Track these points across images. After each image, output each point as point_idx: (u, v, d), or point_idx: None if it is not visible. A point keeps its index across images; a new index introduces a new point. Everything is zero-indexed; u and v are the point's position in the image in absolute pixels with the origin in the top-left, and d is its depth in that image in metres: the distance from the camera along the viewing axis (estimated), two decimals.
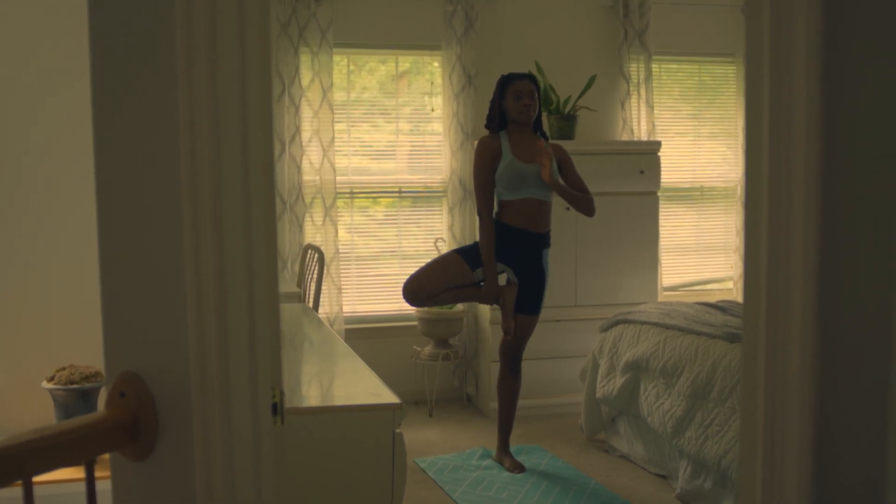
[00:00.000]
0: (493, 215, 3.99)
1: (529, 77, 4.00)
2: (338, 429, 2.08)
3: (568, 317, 5.05)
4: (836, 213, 0.93)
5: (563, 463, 4.21)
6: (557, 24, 5.45)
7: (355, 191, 5.31)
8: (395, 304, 5.37)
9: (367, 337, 5.16)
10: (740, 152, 5.83)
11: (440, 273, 3.92)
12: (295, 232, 5.06)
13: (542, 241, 3.98)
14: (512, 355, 4.10)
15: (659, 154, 5.22)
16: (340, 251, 5.17)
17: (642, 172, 5.15)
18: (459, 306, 5.06)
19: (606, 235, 5.09)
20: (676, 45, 5.68)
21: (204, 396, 1.18)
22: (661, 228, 5.32)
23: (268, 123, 1.21)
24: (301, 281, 4.68)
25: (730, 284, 5.95)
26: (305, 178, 5.05)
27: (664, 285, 5.71)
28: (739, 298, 5.75)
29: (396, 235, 5.40)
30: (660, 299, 5.48)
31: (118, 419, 1.23)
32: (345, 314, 5.18)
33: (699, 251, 5.94)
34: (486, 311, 5.04)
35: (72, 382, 3.19)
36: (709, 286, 5.97)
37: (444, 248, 5.29)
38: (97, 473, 1.27)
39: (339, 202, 5.20)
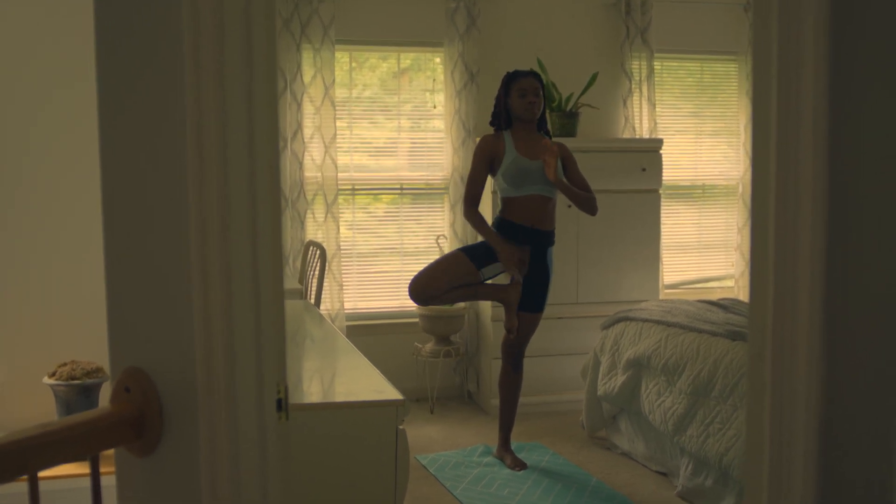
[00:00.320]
0: (498, 213, 4.00)
1: (534, 75, 4.01)
2: (341, 425, 2.08)
3: (569, 314, 5.05)
4: (843, 213, 0.93)
5: (564, 460, 4.21)
6: (559, 21, 5.45)
7: (357, 187, 5.31)
8: (396, 301, 5.38)
9: (369, 333, 5.16)
10: (742, 150, 5.83)
11: (445, 272, 3.92)
12: (297, 228, 5.06)
13: (547, 238, 3.99)
14: (514, 353, 4.10)
15: (661, 152, 5.22)
16: (342, 248, 5.17)
17: (644, 170, 5.15)
18: (461, 303, 5.06)
19: (608, 233, 5.09)
20: (678, 43, 5.67)
21: (209, 392, 1.18)
22: (662, 226, 5.32)
23: (273, 123, 1.21)
24: (303, 277, 4.68)
25: (731, 282, 5.95)
26: (307, 174, 5.05)
27: (665, 283, 5.71)
28: (740, 296, 5.76)
29: (398, 232, 5.40)
30: (661, 297, 5.48)
31: (123, 414, 1.23)
32: (346, 311, 5.18)
33: (700, 249, 5.94)
34: (487, 308, 5.04)
35: (73, 378, 3.19)
36: (710, 284, 5.97)
37: (446, 245, 5.29)
38: (101, 469, 1.27)
39: (341, 199, 5.20)
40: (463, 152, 5.20)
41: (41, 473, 1.16)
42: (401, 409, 2.09)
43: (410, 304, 5.20)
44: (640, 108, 5.53)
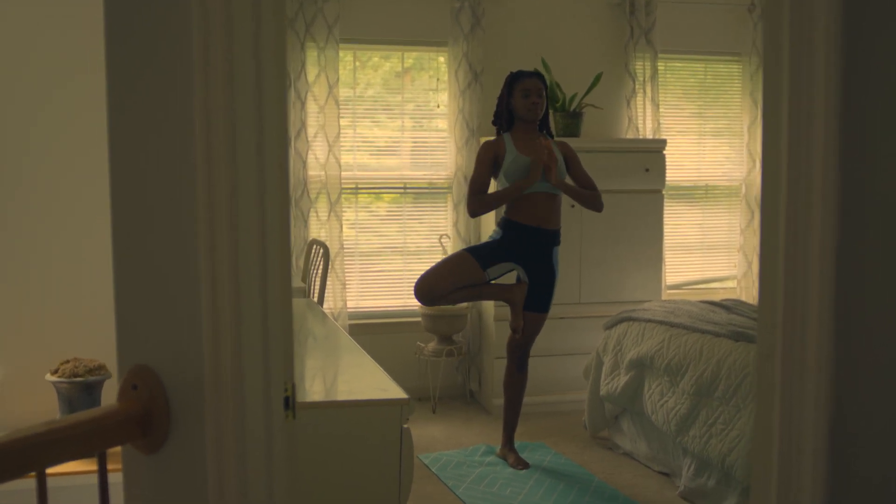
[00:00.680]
0: (503, 213, 4.01)
1: (537, 75, 4.01)
2: (345, 424, 2.08)
3: (572, 314, 5.05)
4: (852, 211, 0.92)
5: (567, 460, 4.21)
6: (564, 21, 5.45)
7: (360, 186, 5.31)
8: (398, 300, 5.38)
9: (371, 332, 5.16)
10: (745, 151, 5.82)
11: (451, 272, 3.91)
12: (300, 227, 5.06)
13: (553, 238, 3.99)
14: (519, 353, 4.10)
15: (664, 152, 5.22)
16: (345, 247, 5.17)
17: (647, 170, 5.14)
18: (463, 303, 5.06)
19: (611, 233, 5.09)
20: (682, 44, 5.67)
21: (217, 390, 1.18)
22: (664, 226, 5.32)
23: (282, 122, 1.21)
24: (306, 276, 4.69)
25: (733, 283, 5.95)
26: (311, 173, 5.05)
27: (668, 283, 5.71)
28: (743, 297, 5.75)
29: (401, 231, 5.40)
30: (663, 297, 5.48)
31: (130, 412, 1.23)
32: (349, 309, 5.18)
33: (703, 250, 5.94)
34: (489, 307, 5.04)
35: (76, 375, 3.19)
36: (712, 285, 5.97)
37: (449, 245, 5.29)
38: (109, 466, 1.27)
39: (344, 198, 5.21)
40: (466, 152, 5.20)
41: (49, 470, 1.16)
42: (405, 407, 2.09)
43: (413, 304, 5.21)
44: (644, 108, 5.52)
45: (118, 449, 1.27)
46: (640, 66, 5.49)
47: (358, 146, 5.32)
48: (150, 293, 1.26)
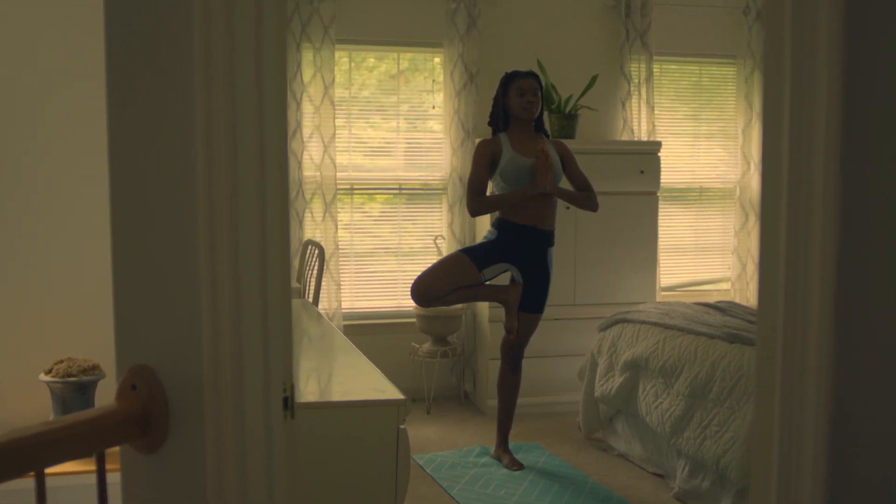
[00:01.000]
0: (499, 213, 4.01)
1: (532, 75, 4.02)
2: (342, 425, 2.08)
3: (567, 315, 5.06)
4: (853, 214, 0.93)
5: (561, 461, 4.22)
6: (560, 23, 5.46)
7: (355, 187, 5.31)
8: (393, 301, 5.38)
9: (366, 333, 5.16)
10: (739, 154, 5.84)
11: (447, 274, 3.91)
12: (294, 227, 5.06)
13: (548, 239, 3.99)
14: (513, 353, 4.11)
15: (659, 154, 5.23)
16: (340, 247, 5.17)
17: (642, 172, 5.16)
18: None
19: (606, 235, 5.10)
20: (677, 46, 5.69)
21: (217, 390, 1.18)
22: (659, 228, 5.33)
23: (282, 122, 1.21)
24: (301, 276, 4.68)
25: (727, 285, 5.96)
26: (306, 173, 5.05)
27: (662, 285, 5.72)
28: (737, 299, 5.77)
29: (396, 232, 5.40)
30: (658, 299, 5.49)
31: (129, 412, 1.23)
32: (343, 310, 5.18)
33: (697, 252, 5.95)
34: (484, 308, 5.05)
35: (69, 375, 3.18)
36: (706, 287, 5.98)
37: (444, 246, 5.29)
38: (108, 466, 1.27)
39: (340, 198, 5.20)
40: (462, 153, 5.21)
41: (47, 470, 1.16)
42: (402, 408, 2.09)
43: (408, 304, 5.21)
44: (639, 110, 5.54)
45: (117, 448, 1.27)
46: (636, 69, 5.51)
47: (353, 147, 5.32)
48: (150, 293, 1.26)
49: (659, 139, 5.47)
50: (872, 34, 0.90)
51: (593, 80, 5.28)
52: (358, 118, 5.32)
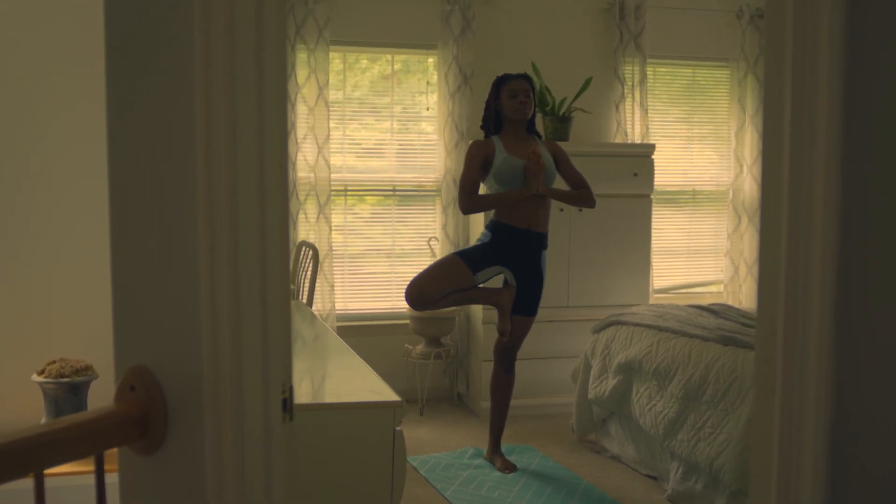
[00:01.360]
0: (492, 215, 4.01)
1: (525, 77, 4.02)
2: (338, 426, 2.08)
3: (560, 317, 5.06)
4: (855, 216, 0.93)
5: (554, 463, 4.22)
6: (554, 25, 5.47)
7: (349, 188, 5.30)
8: (387, 302, 5.38)
9: (359, 334, 5.15)
10: (732, 156, 5.86)
11: (441, 276, 3.90)
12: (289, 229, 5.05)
13: (541, 241, 4.00)
14: (507, 355, 4.11)
15: (652, 157, 5.24)
16: (333, 248, 5.16)
17: (636, 175, 5.17)
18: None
19: (599, 237, 5.11)
20: (671, 49, 5.71)
21: (216, 391, 1.18)
22: (652, 231, 5.34)
23: (282, 123, 1.21)
24: (295, 278, 4.67)
25: (720, 287, 5.98)
26: (300, 174, 5.05)
27: (655, 287, 5.73)
28: (729, 301, 5.79)
29: (389, 233, 5.40)
30: (651, 301, 5.50)
31: (128, 413, 1.22)
32: (337, 311, 5.18)
33: (690, 254, 5.97)
34: (478, 310, 5.05)
35: (62, 376, 3.17)
36: (698, 289, 6.00)
37: (438, 248, 5.29)
38: (106, 467, 1.27)
39: (333, 200, 5.20)
40: (455, 154, 5.21)
41: (45, 471, 1.15)
42: (398, 410, 2.09)
43: (401, 306, 5.21)
44: (633, 112, 5.55)
45: (114, 450, 1.26)
46: (629, 71, 5.52)
47: (346, 148, 5.31)
48: (149, 293, 1.26)
49: (652, 142, 5.48)
50: (873, 34, 0.90)
51: (587, 82, 5.30)
52: (351, 119, 5.32)
